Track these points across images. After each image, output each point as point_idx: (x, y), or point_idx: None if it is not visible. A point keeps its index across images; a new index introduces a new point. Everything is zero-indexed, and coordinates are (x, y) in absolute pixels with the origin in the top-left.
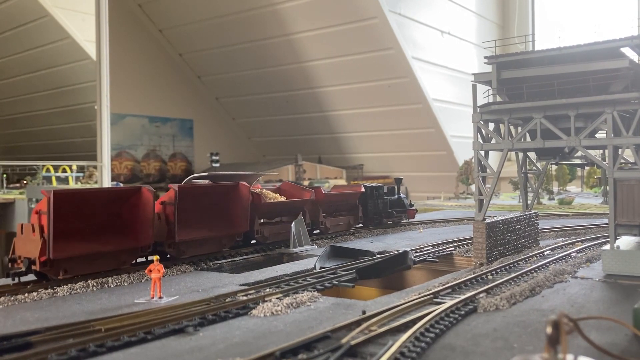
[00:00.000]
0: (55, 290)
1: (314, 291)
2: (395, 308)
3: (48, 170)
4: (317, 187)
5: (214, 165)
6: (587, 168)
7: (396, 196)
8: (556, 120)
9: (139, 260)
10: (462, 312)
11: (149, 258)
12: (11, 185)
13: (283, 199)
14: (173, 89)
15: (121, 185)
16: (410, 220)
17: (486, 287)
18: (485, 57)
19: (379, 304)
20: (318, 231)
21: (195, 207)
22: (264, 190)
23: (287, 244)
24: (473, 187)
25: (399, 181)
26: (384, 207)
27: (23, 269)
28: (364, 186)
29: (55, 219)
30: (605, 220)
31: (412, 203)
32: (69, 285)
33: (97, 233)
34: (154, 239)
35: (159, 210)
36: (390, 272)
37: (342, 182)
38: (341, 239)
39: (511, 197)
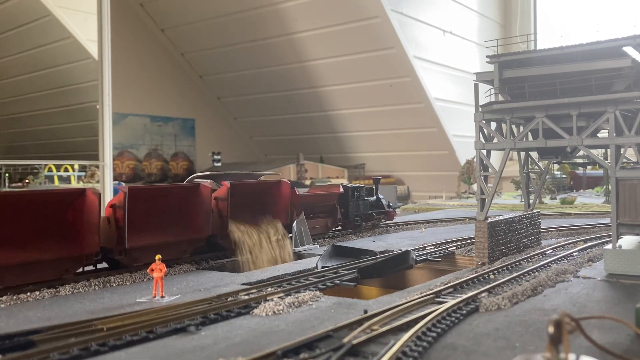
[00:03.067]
0: (58, 290)
1: (316, 290)
2: (397, 307)
3: (50, 170)
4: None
5: (216, 164)
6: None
7: (374, 197)
8: (558, 120)
9: (86, 269)
10: (464, 312)
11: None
12: (13, 185)
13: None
14: (175, 88)
15: (123, 184)
16: (389, 221)
17: (488, 286)
18: (487, 56)
19: (380, 303)
20: (291, 235)
21: (150, 211)
22: None
23: None
24: (475, 187)
25: (377, 181)
26: (365, 208)
27: None
28: (343, 187)
29: None
30: (607, 220)
31: (391, 204)
32: (71, 285)
33: (35, 240)
34: (100, 245)
35: (108, 214)
36: (391, 271)
37: (344, 181)
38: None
39: (513, 197)
